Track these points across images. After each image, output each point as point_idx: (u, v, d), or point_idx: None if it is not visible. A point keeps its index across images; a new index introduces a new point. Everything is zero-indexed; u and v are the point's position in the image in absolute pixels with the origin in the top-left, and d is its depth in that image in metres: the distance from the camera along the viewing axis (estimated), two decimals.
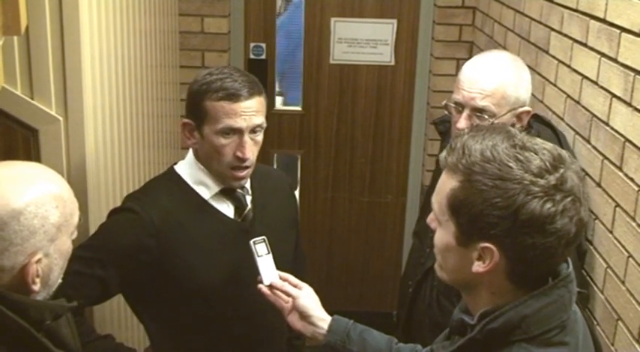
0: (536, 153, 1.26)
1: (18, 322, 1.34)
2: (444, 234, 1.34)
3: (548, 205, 1.23)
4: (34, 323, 1.37)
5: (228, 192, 1.98)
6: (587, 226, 1.32)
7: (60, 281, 1.48)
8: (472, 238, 1.28)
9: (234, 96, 1.85)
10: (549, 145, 1.31)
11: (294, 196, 2.28)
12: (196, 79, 1.91)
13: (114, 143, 2.32)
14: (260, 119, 1.90)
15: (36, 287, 1.39)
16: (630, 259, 1.84)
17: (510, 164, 1.24)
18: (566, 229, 1.25)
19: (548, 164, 1.25)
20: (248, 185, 2.02)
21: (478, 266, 1.29)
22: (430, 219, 1.39)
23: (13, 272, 1.36)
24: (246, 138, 1.88)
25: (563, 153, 1.30)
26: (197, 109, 1.87)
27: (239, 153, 1.88)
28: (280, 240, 1.97)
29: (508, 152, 1.26)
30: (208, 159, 1.92)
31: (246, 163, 1.90)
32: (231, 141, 1.87)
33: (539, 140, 1.32)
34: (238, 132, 1.87)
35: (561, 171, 1.25)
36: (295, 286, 1.81)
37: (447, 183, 1.31)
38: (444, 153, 1.34)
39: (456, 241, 1.31)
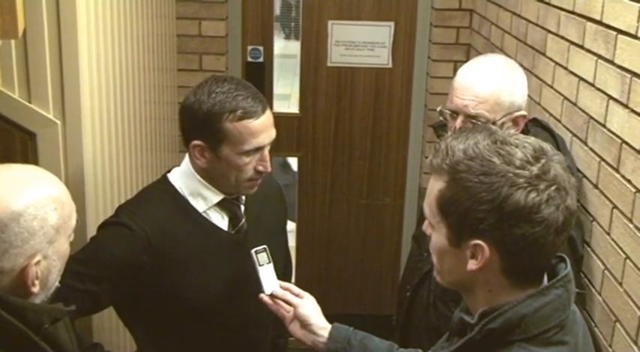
0: (517, 147, 1.29)
1: (16, 325, 1.34)
2: (437, 237, 1.36)
3: (533, 195, 1.25)
4: (33, 327, 1.37)
5: (224, 204, 1.97)
6: (575, 215, 1.32)
7: (57, 284, 1.48)
8: (463, 237, 1.30)
9: (254, 114, 1.82)
10: (531, 139, 1.33)
11: (285, 201, 2.28)
12: (198, 98, 1.83)
13: (111, 146, 2.32)
14: (275, 130, 1.90)
15: (35, 289, 1.39)
16: (627, 261, 1.84)
17: (493, 159, 1.27)
18: (553, 217, 1.26)
19: (529, 156, 1.27)
20: (243, 195, 2.01)
21: (472, 265, 1.30)
22: (425, 225, 1.41)
23: (12, 274, 1.36)
24: (266, 151, 1.89)
25: (545, 145, 1.32)
26: (212, 131, 1.82)
27: (261, 168, 1.88)
28: (271, 248, 1.95)
29: (490, 148, 1.28)
30: (223, 176, 1.89)
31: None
32: (252, 158, 1.86)
33: (521, 135, 1.35)
34: (260, 148, 1.87)
35: (543, 161, 1.28)
36: (297, 295, 1.81)
37: (434, 186, 1.34)
38: (429, 157, 1.35)
39: (449, 242, 1.33)
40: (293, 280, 2.76)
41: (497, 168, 1.26)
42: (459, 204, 1.28)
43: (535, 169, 1.26)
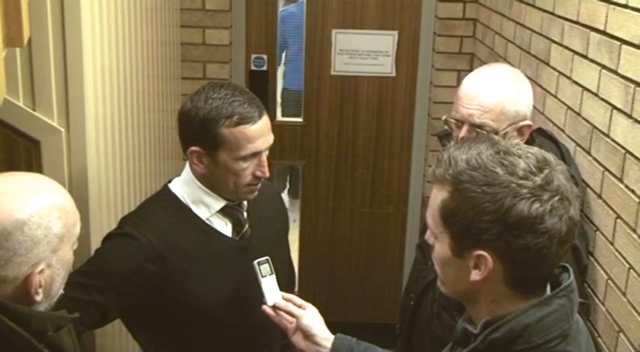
0: (520, 157, 1.29)
1: (19, 333, 1.34)
2: (440, 247, 1.36)
3: (536, 205, 1.24)
4: (36, 334, 1.37)
5: (227, 211, 1.97)
6: (578, 225, 1.32)
7: (61, 292, 1.48)
8: (466, 247, 1.30)
9: (250, 119, 1.83)
10: (534, 149, 1.33)
11: (284, 205, 2.28)
12: (195, 105, 1.84)
13: (115, 154, 2.33)
14: (272, 136, 1.91)
15: (38, 298, 1.39)
16: (631, 271, 1.84)
17: (496, 169, 1.27)
18: (556, 228, 1.26)
19: (532, 166, 1.27)
20: (245, 201, 2.01)
21: (475, 275, 1.30)
22: (427, 235, 1.41)
23: (16, 282, 1.36)
24: (264, 157, 1.89)
25: (548, 155, 1.32)
26: (209, 137, 1.83)
27: (259, 173, 1.88)
28: (275, 253, 1.96)
29: (493, 158, 1.28)
30: (221, 182, 1.90)
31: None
32: (250, 163, 1.87)
33: (523, 145, 1.35)
34: (258, 153, 1.87)
35: (546, 171, 1.28)
36: (300, 306, 1.81)
37: (437, 196, 1.33)
38: (432, 167, 1.35)
39: (452, 252, 1.33)
40: (296, 288, 2.76)
41: (501, 178, 1.26)
42: (462, 214, 1.28)
43: (538, 180, 1.26)
